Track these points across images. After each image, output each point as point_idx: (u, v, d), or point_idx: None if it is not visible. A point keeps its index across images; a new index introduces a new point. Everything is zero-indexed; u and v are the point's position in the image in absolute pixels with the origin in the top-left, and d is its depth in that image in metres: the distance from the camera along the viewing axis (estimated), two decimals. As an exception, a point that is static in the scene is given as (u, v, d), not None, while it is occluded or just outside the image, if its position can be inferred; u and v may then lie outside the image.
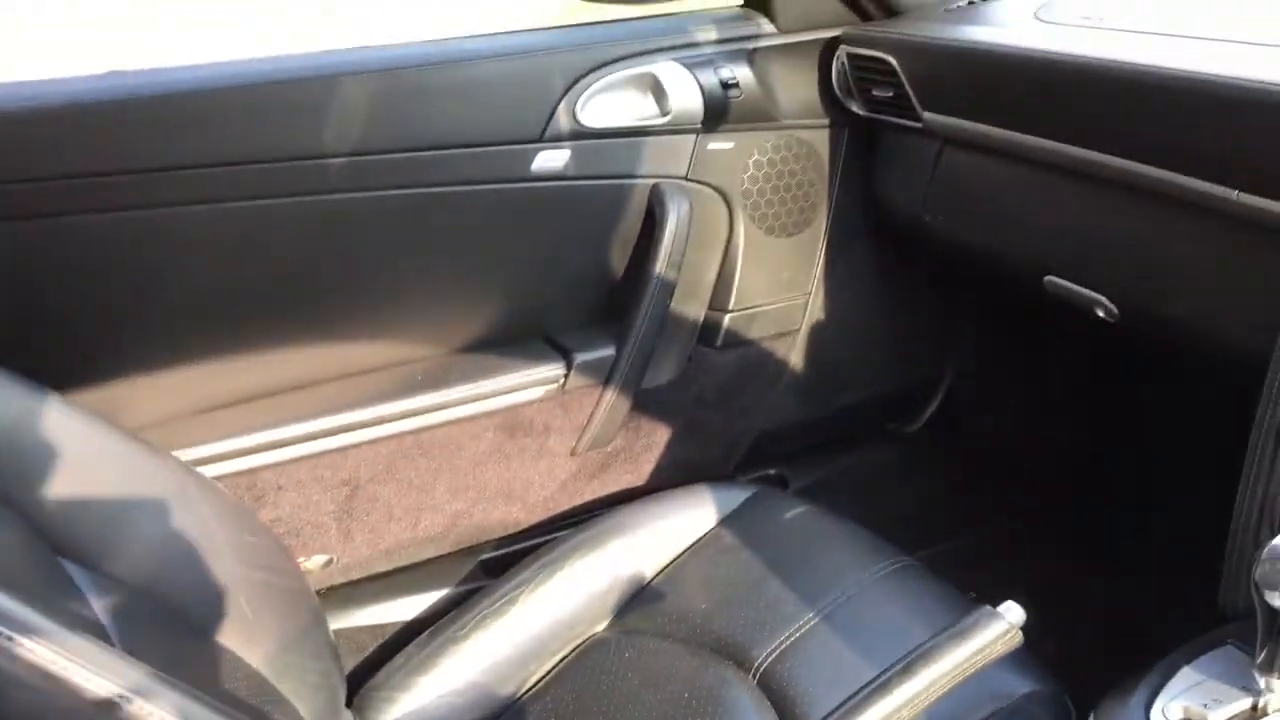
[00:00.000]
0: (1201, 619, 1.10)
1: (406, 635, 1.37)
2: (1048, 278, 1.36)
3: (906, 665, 0.85)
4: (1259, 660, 0.94)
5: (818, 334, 1.65)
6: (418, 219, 1.36)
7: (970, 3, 1.52)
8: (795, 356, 1.65)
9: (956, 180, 1.48)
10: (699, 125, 1.48)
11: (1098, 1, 1.37)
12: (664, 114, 1.45)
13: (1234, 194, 1.09)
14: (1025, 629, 0.94)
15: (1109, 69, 1.18)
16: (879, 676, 0.84)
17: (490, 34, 1.42)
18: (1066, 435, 1.88)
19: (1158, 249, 1.22)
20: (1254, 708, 0.95)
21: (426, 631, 1.31)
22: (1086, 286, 1.31)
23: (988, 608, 0.88)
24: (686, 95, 1.46)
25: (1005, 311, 1.75)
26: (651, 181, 1.48)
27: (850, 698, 0.84)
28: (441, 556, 1.54)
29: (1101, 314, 1.31)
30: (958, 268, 1.61)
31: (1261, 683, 0.94)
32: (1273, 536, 0.93)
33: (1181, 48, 1.16)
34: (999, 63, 1.33)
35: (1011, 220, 1.41)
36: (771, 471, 1.72)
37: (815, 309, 1.64)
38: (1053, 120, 1.27)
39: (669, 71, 1.45)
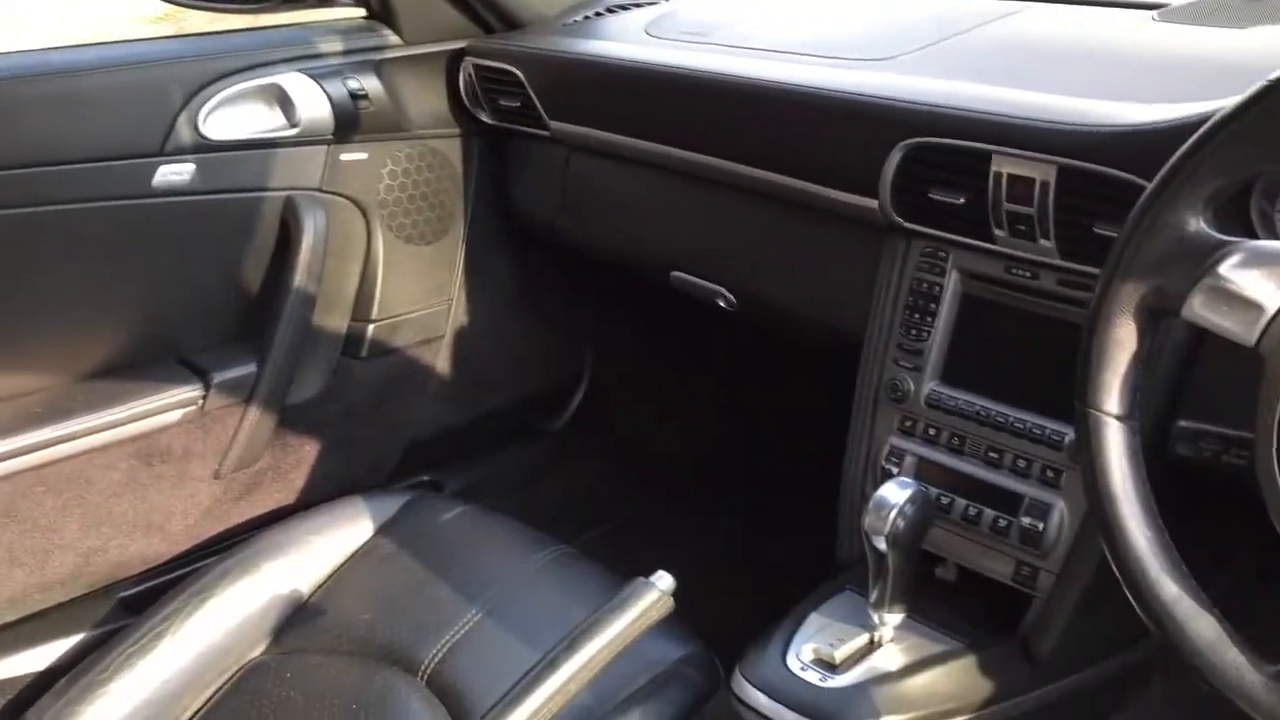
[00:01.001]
0: (827, 569, 1.23)
1: (40, 687, 1.27)
2: (674, 273, 1.46)
3: (570, 642, 0.90)
4: (872, 600, 1.06)
5: (462, 339, 1.68)
6: (27, 240, 1.27)
7: (586, 17, 1.60)
8: (441, 363, 1.67)
9: (585, 185, 1.55)
10: (330, 136, 1.47)
11: (702, 20, 1.49)
12: (293, 125, 1.44)
13: (826, 191, 1.23)
14: (678, 599, 1.02)
15: (709, 79, 1.29)
16: (545, 656, 0.89)
17: (99, 43, 1.35)
18: (704, 418, 2.01)
19: (765, 243, 1.35)
20: (871, 641, 1.08)
21: (63, 680, 1.22)
22: (708, 280, 1.42)
23: (641, 578, 0.94)
24: (315, 106, 1.45)
25: (640, 307, 1.85)
26: (284, 194, 1.45)
27: (518, 681, 0.88)
28: (76, 599, 1.44)
29: (722, 304, 1.42)
30: (592, 269, 1.69)
31: (875, 618, 1.07)
32: (876, 489, 1.06)
33: (773, 61, 1.29)
34: (614, 73, 1.41)
35: (638, 221, 1.51)
36: (426, 478, 1.74)
37: (458, 315, 1.67)
38: (665, 126, 1.37)
39: (295, 83, 1.44)
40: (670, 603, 0.94)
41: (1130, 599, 0.76)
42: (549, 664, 0.88)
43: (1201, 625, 0.74)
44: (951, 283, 1.15)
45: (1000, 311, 1.13)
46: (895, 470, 1.17)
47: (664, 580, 0.94)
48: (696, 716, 1.06)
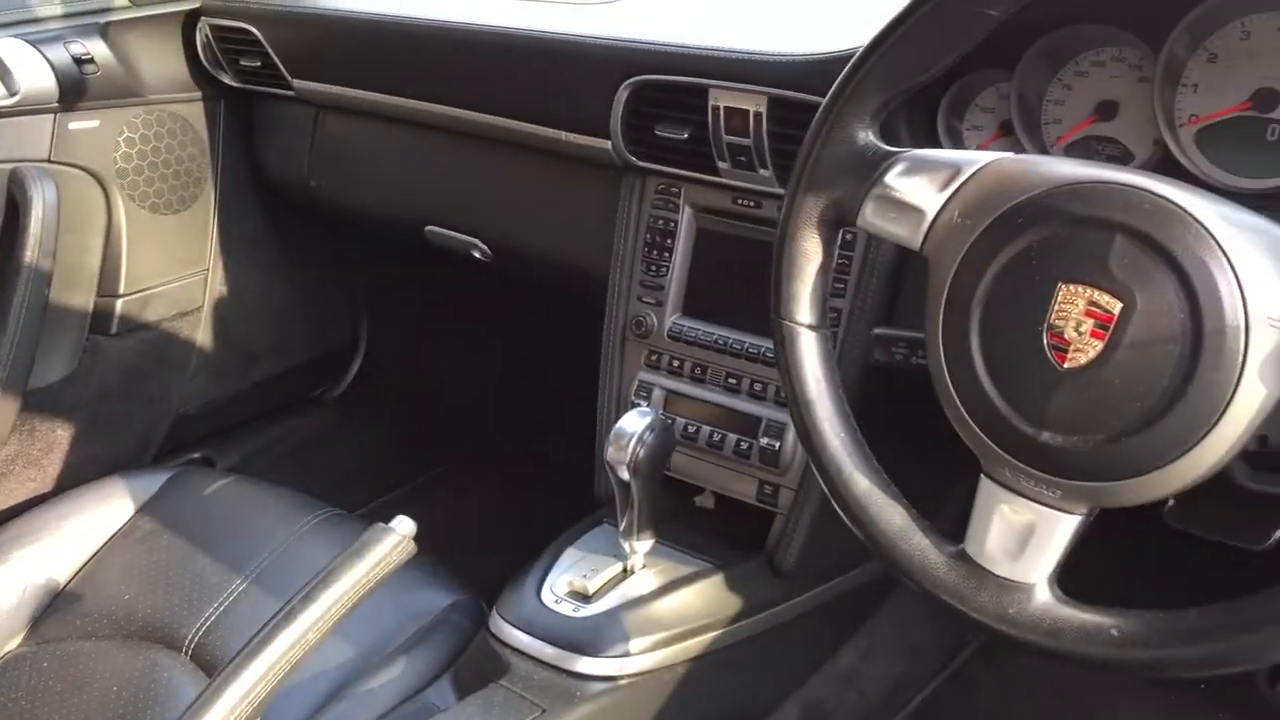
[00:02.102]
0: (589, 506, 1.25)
1: None
2: (428, 228, 1.45)
3: (308, 592, 0.89)
4: (621, 529, 1.09)
5: (223, 310, 1.64)
6: None
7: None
8: (203, 335, 1.63)
9: (336, 144, 1.53)
10: (56, 105, 1.40)
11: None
12: (11, 94, 1.36)
13: (563, 135, 1.24)
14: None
15: (438, 29, 1.29)
16: (281, 609, 0.88)
17: None
18: (483, 372, 2.02)
19: (511, 190, 1.36)
20: (625, 569, 1.11)
21: None
22: (462, 232, 1.42)
23: (379, 524, 0.94)
24: (35, 73, 1.38)
25: (413, 267, 1.83)
26: (9, 166, 1.38)
27: (254, 636, 0.87)
28: None
29: (478, 255, 1.43)
30: (358, 230, 1.67)
31: (627, 547, 1.10)
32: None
33: (501, 6, 1.30)
34: (350, 28, 1.39)
35: (390, 178, 1.49)
36: (197, 455, 1.69)
37: (216, 285, 1.63)
38: (403, 79, 1.37)
39: (11, 49, 1.36)
40: (411, 546, 0.94)
41: (828, 495, 0.81)
42: (285, 615, 0.87)
43: (890, 516, 0.78)
44: (685, 218, 1.18)
45: (731, 242, 1.16)
46: (644, 403, 1.20)
47: (403, 524, 0.94)
48: (461, 659, 1.07)
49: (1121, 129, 0.97)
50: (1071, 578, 0.74)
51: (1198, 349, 0.65)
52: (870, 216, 0.78)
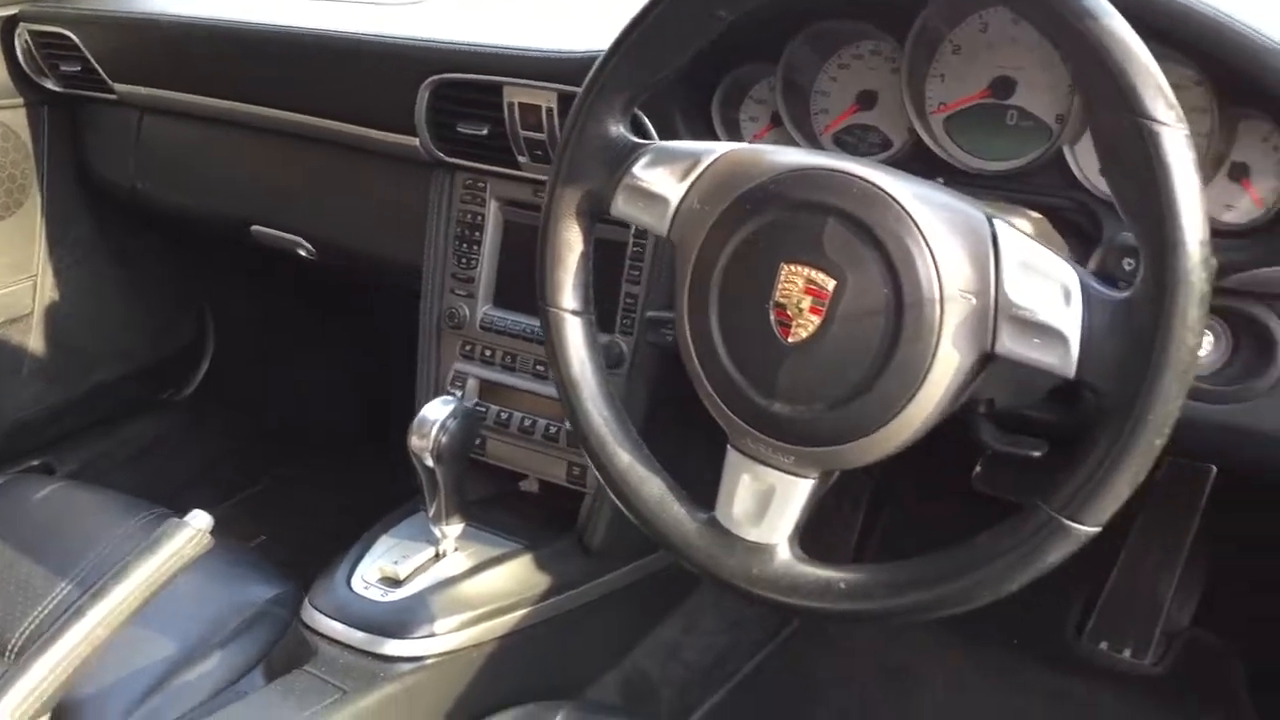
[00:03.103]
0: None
1: None
2: (253, 227, 1.47)
3: (99, 588, 0.91)
4: (431, 515, 1.12)
5: (55, 315, 1.63)
6: None
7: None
8: (34, 341, 1.61)
9: (159, 147, 1.53)
10: None
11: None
12: None
13: (372, 133, 1.27)
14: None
15: (248, 30, 1.31)
16: (71, 606, 0.90)
17: None
18: (326, 373, 2.03)
19: (329, 188, 1.38)
20: (436, 554, 1.14)
21: None
22: (285, 230, 1.44)
23: (174, 519, 0.96)
24: None
25: (249, 268, 1.83)
26: None
27: (45, 633, 0.89)
28: None
29: (303, 253, 1.44)
30: (179, 231, 1.67)
31: (437, 532, 1.13)
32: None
33: (308, 7, 1.32)
34: (165, 31, 1.40)
35: (213, 178, 1.50)
36: (35, 461, 1.68)
37: (46, 291, 1.61)
38: (219, 81, 1.38)
39: None
40: (207, 540, 0.96)
41: (594, 471, 0.85)
42: (75, 612, 0.89)
43: (649, 488, 0.83)
44: (491, 211, 1.22)
45: (535, 234, 1.20)
46: (459, 393, 1.24)
47: (199, 519, 0.96)
48: (275, 649, 1.09)
49: (880, 118, 1.03)
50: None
51: (899, 321, 0.71)
52: (622, 205, 0.82)
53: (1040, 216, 0.87)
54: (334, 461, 1.92)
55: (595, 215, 0.85)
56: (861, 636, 1.53)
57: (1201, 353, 0.90)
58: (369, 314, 1.91)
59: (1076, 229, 0.90)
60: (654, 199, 0.80)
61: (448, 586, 1.09)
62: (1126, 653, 1.47)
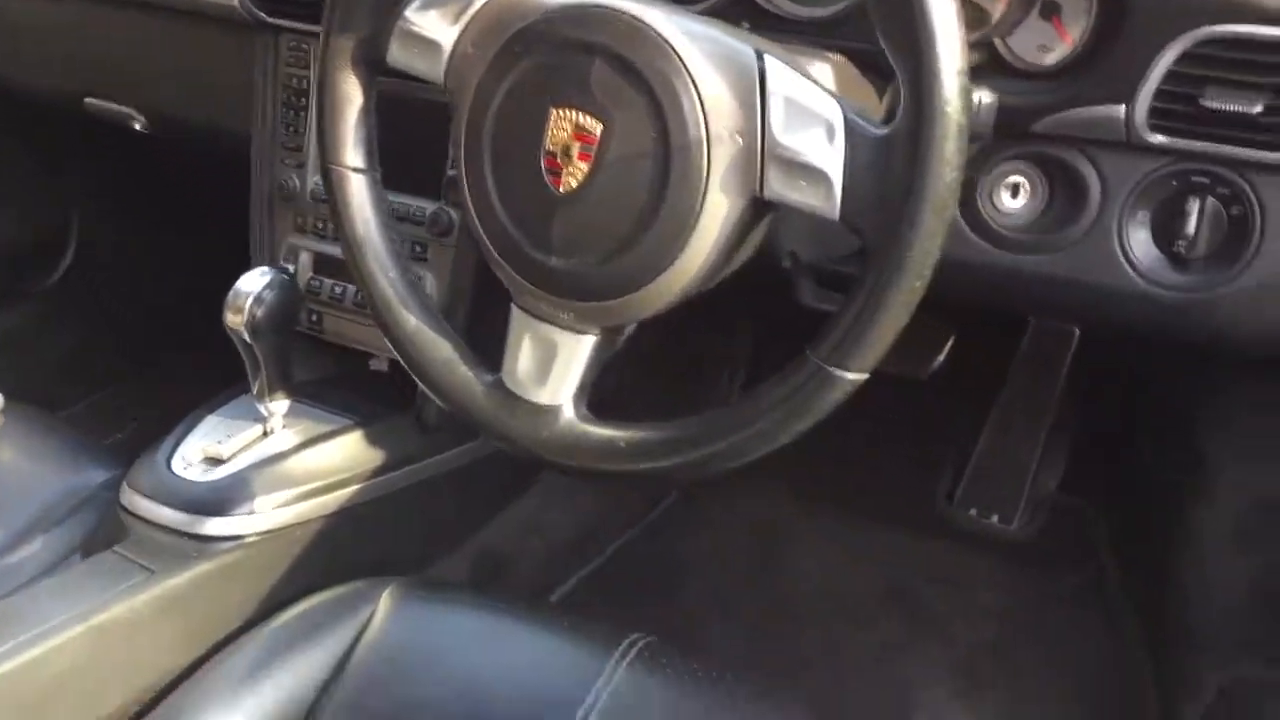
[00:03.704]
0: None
1: None
2: (86, 99, 1.39)
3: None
4: (255, 391, 1.09)
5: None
6: None
7: None
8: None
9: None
10: None
11: None
12: None
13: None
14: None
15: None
16: None
17: None
18: (201, 260, 1.96)
19: (159, 57, 1.31)
20: (263, 432, 1.10)
21: None
22: (118, 103, 1.37)
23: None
24: None
25: (115, 154, 1.75)
26: None
27: None
28: None
29: (138, 126, 1.38)
30: (48, 115, 1.59)
31: (263, 410, 1.09)
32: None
33: None
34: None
35: (43, 50, 1.42)
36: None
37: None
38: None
39: None
40: None
41: (382, 333, 0.82)
42: None
43: (437, 351, 0.80)
44: (318, 75, 1.16)
45: (365, 98, 1.15)
46: (292, 268, 1.19)
47: None
48: (93, 534, 1.06)
49: (696, -37, 0.98)
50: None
51: (667, 165, 0.67)
52: (397, 54, 0.78)
53: (843, 59, 0.83)
54: (205, 347, 1.87)
55: (373, 65, 0.80)
56: (741, 511, 1.53)
57: (1018, 203, 0.88)
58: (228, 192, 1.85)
59: (883, 74, 0.86)
60: (428, 45, 0.76)
61: (272, 464, 1.06)
62: (994, 518, 1.48)
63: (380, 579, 0.98)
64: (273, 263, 1.21)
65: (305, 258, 1.19)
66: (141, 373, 1.85)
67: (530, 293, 0.75)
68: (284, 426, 1.10)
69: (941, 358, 1.41)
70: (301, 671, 0.90)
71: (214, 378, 1.80)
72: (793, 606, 1.39)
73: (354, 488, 1.09)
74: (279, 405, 1.09)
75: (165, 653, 0.94)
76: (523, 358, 0.76)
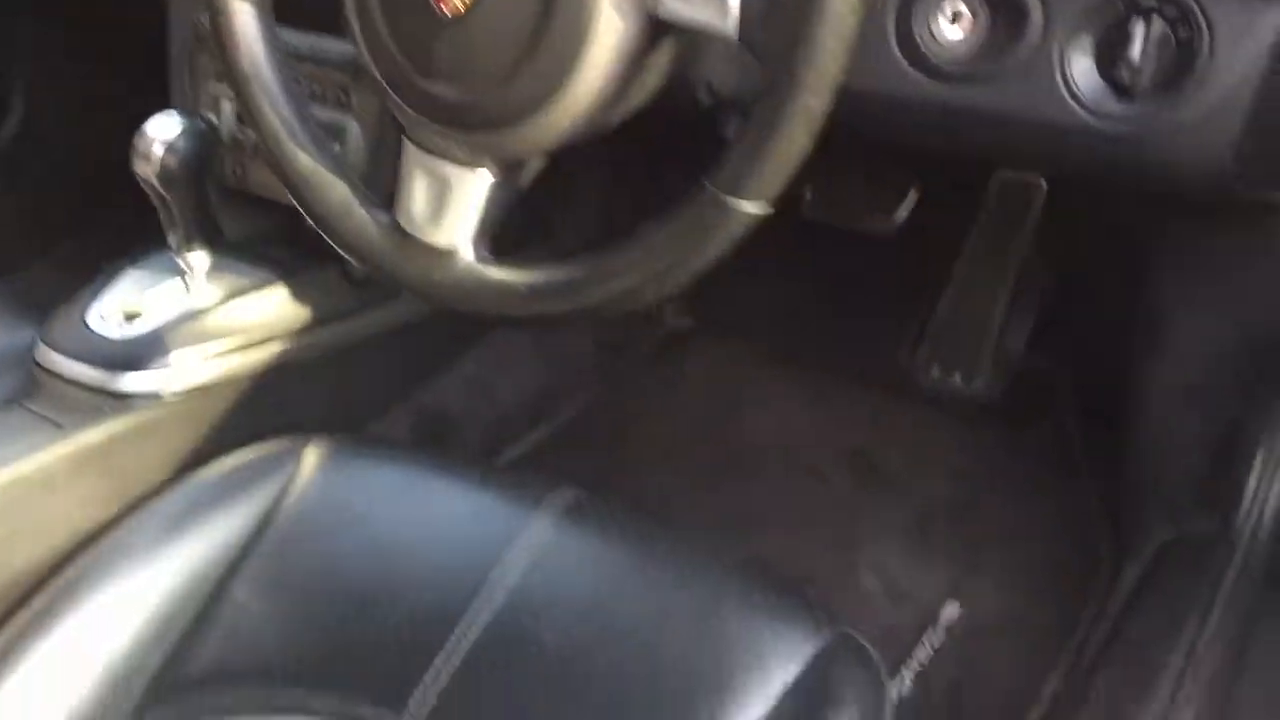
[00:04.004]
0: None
1: None
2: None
3: None
4: (173, 244, 1.05)
5: None
6: None
7: None
8: None
9: None
10: None
11: None
12: None
13: None
14: None
15: None
16: None
17: None
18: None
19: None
20: (184, 286, 1.07)
21: None
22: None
23: None
24: None
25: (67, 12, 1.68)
26: None
27: None
28: None
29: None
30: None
31: (183, 263, 1.05)
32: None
33: None
34: None
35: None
36: None
37: None
38: None
39: None
40: None
41: (276, 175, 0.77)
42: None
43: (332, 192, 0.76)
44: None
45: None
46: (215, 118, 1.14)
47: None
48: (8, 392, 1.03)
49: None
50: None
51: (555, -20, 0.62)
52: None
53: None
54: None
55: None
56: (704, 369, 1.50)
57: (957, 32, 0.82)
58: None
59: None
60: None
61: (192, 319, 1.03)
62: (957, 377, 1.44)
63: (306, 436, 0.95)
64: (194, 112, 1.15)
65: (227, 106, 1.13)
66: (92, 230, 1.80)
67: (420, 124, 0.70)
68: (207, 281, 1.06)
69: (904, 212, 1.36)
70: (219, 529, 0.88)
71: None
72: (746, 464, 1.37)
73: (281, 345, 1.06)
74: (199, 259, 1.04)
75: (78, 510, 0.92)
76: (417, 196, 0.72)
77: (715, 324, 1.56)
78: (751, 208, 0.62)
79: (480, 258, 0.72)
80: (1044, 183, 1.29)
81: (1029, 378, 1.44)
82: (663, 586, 0.81)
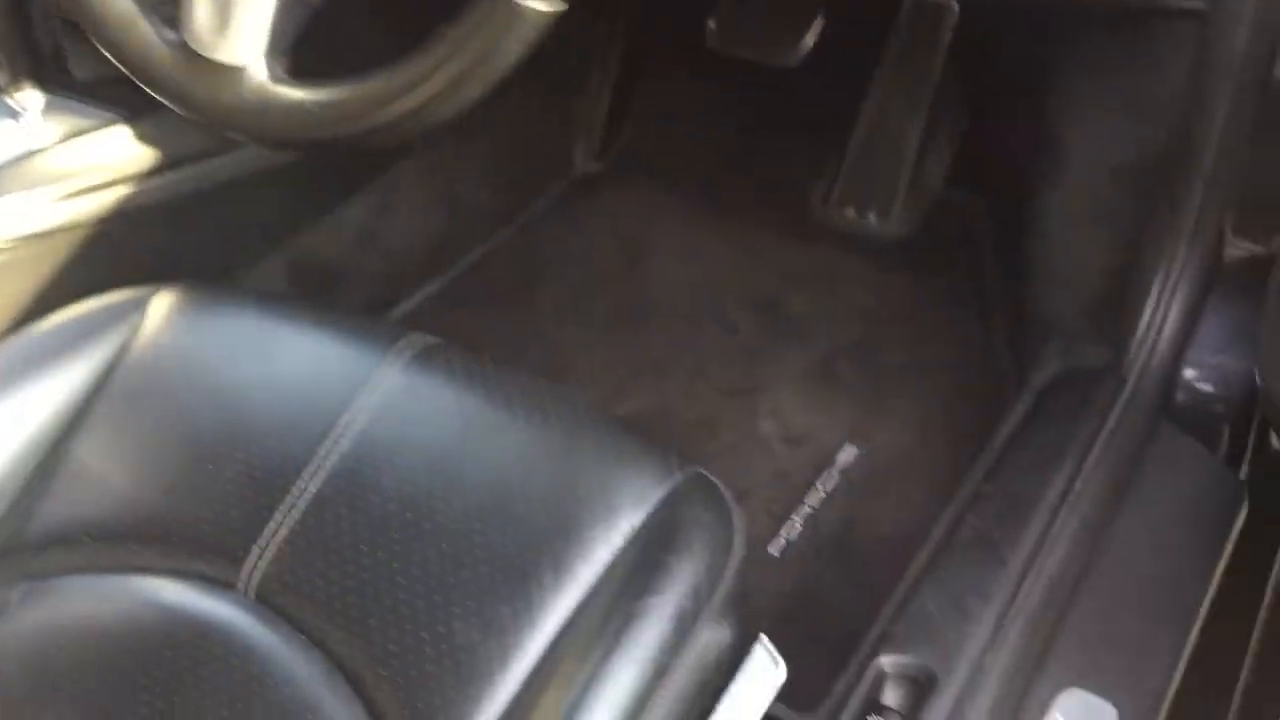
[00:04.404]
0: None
1: None
2: None
3: None
4: (3, 82, 0.97)
5: None
6: None
7: None
8: None
9: None
10: None
11: None
12: None
13: None
14: None
15: None
16: None
17: None
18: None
19: None
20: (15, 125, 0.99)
21: None
22: None
23: None
24: None
25: None
26: None
27: None
28: None
29: None
30: None
31: (14, 104, 0.98)
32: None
33: None
34: None
35: None
36: None
37: None
38: None
39: None
40: None
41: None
42: None
43: (115, 7, 0.69)
44: None
45: None
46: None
47: None
48: None
49: None
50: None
51: None
52: None
53: None
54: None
55: None
56: (604, 215, 1.45)
57: None
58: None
59: None
60: None
61: (28, 160, 0.96)
62: (871, 216, 1.39)
63: (156, 286, 0.90)
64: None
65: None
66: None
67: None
68: (45, 121, 0.99)
69: (811, 39, 1.28)
70: (57, 384, 0.84)
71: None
72: (651, 313, 1.33)
73: (132, 188, 0.99)
74: (32, 98, 0.97)
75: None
76: (199, 6, 0.66)
77: (625, 167, 1.49)
78: (542, 6, 0.56)
79: (276, 77, 0.66)
80: (955, 4, 1.23)
81: (948, 213, 1.39)
82: (511, 434, 0.77)
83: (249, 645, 0.69)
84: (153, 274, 0.98)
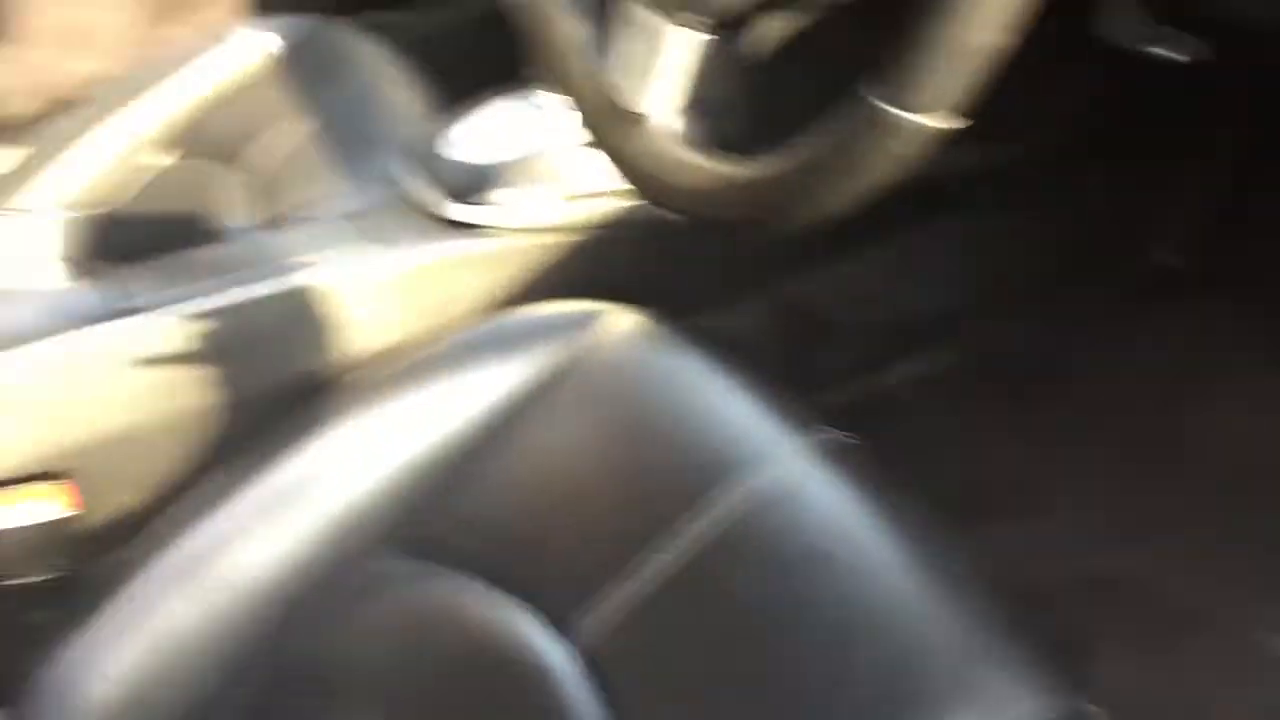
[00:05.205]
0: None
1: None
2: None
3: None
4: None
5: None
6: None
7: None
8: None
9: None
10: None
11: None
12: None
13: None
14: None
15: None
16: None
17: None
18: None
19: None
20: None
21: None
22: None
23: None
24: None
25: None
26: None
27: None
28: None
29: None
30: None
31: (545, 99, 1.01)
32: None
33: None
34: None
35: None
36: None
37: None
38: None
39: None
40: None
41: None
42: None
43: (564, 27, 0.66)
44: None
45: None
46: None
47: None
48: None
49: None
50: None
51: None
52: None
53: None
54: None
55: None
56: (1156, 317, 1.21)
57: None
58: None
59: None
60: None
61: (539, 157, 0.98)
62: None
63: (613, 305, 0.88)
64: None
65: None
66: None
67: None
68: (562, 121, 1.00)
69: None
70: (497, 380, 0.84)
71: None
72: (1179, 458, 1.09)
73: (630, 200, 0.98)
74: (555, 95, 0.98)
75: (376, 328, 0.93)
76: (626, 48, 0.60)
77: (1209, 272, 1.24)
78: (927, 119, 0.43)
79: (687, 137, 0.59)
80: None
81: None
82: (887, 569, 0.66)
83: (564, 696, 0.64)
84: (620, 291, 0.97)
